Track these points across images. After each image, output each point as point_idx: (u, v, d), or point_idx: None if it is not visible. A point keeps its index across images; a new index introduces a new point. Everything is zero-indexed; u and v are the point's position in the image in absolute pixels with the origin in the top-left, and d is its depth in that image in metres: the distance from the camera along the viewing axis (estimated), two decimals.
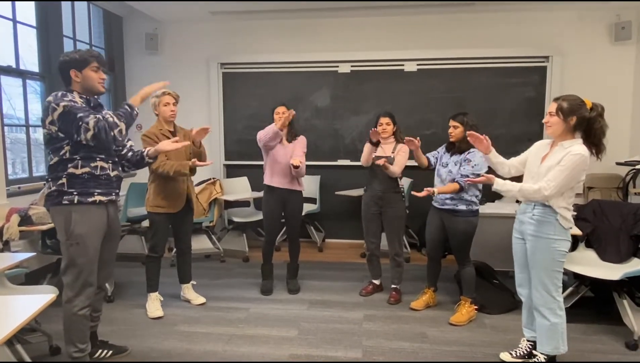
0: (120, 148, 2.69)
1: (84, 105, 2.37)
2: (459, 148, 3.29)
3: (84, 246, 2.40)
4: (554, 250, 2.44)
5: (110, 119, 2.34)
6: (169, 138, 3.35)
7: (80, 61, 2.40)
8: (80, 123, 2.28)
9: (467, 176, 3.12)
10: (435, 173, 3.44)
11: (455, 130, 3.29)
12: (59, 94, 2.35)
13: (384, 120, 3.64)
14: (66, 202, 2.38)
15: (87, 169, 2.40)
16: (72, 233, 2.38)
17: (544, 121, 2.55)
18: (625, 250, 3.35)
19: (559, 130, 2.45)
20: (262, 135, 3.66)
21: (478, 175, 2.74)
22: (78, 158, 2.38)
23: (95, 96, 2.52)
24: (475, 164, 3.19)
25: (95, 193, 2.44)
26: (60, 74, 2.44)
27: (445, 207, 3.29)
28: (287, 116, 3.57)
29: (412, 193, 3.18)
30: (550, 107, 2.50)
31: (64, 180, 2.38)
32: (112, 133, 2.32)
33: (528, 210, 2.55)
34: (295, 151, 3.74)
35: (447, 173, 3.29)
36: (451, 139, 3.33)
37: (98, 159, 2.45)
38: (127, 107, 2.44)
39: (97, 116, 2.31)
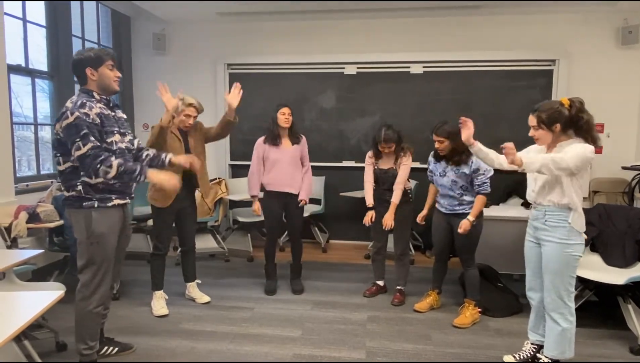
0: (135, 150, 2.68)
1: (89, 114, 2.34)
2: (456, 161, 3.23)
3: (103, 245, 2.43)
4: (568, 254, 2.42)
5: (130, 164, 2.40)
6: (177, 137, 3.39)
7: (96, 59, 2.41)
8: (99, 165, 2.30)
9: (487, 190, 3.18)
10: (434, 183, 3.43)
11: (441, 144, 3.24)
12: (78, 102, 2.33)
13: (386, 145, 3.57)
14: (86, 206, 2.40)
15: (100, 179, 2.40)
16: (93, 233, 2.40)
17: (530, 134, 2.52)
18: (631, 255, 3.34)
19: (548, 140, 2.46)
20: (250, 170, 3.84)
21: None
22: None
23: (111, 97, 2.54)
24: (485, 170, 3.18)
25: (113, 198, 2.47)
26: (75, 73, 2.45)
27: (454, 211, 3.29)
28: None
29: (460, 231, 3.17)
30: (530, 120, 2.49)
31: (79, 188, 2.39)
32: (132, 177, 2.41)
33: (540, 216, 2.53)
34: (304, 159, 3.85)
35: (451, 182, 3.27)
36: (441, 154, 3.30)
37: None
38: (164, 158, 2.58)
39: (119, 160, 2.36)
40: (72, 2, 4.74)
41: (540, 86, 5.23)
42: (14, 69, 4.06)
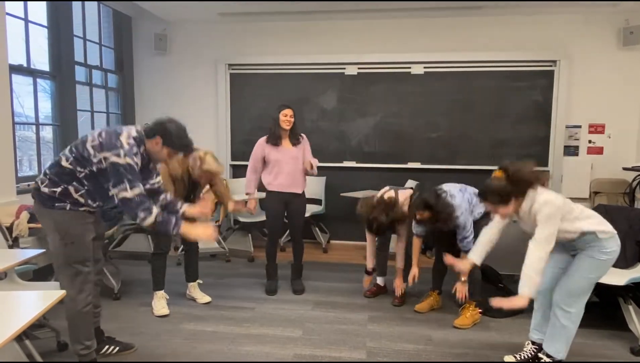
0: (153, 183, 2.67)
1: (138, 164, 2.40)
2: (439, 227, 3.18)
3: (79, 245, 2.42)
4: (606, 261, 2.46)
5: (166, 216, 2.48)
6: (184, 183, 3.37)
7: (173, 142, 2.46)
8: (139, 212, 2.36)
9: (469, 247, 3.02)
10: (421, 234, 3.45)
11: (422, 216, 3.17)
12: (134, 150, 2.36)
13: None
14: (58, 206, 2.39)
15: (82, 200, 2.42)
16: (67, 233, 2.39)
17: (498, 217, 2.58)
18: (631, 255, 3.34)
19: (513, 211, 2.47)
20: (248, 168, 3.84)
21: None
22: (84, 188, 2.41)
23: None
24: (464, 226, 3.14)
25: (85, 205, 2.48)
26: (152, 127, 2.45)
27: None
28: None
29: (457, 296, 3.18)
30: (487, 207, 2.55)
31: (59, 189, 2.39)
32: (167, 228, 2.46)
33: (571, 248, 2.55)
34: (306, 156, 3.79)
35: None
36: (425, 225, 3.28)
37: (97, 201, 2.48)
38: (179, 208, 2.64)
39: (156, 209, 2.43)
40: (73, 2, 4.75)
41: (541, 87, 5.23)
42: (15, 69, 4.07)
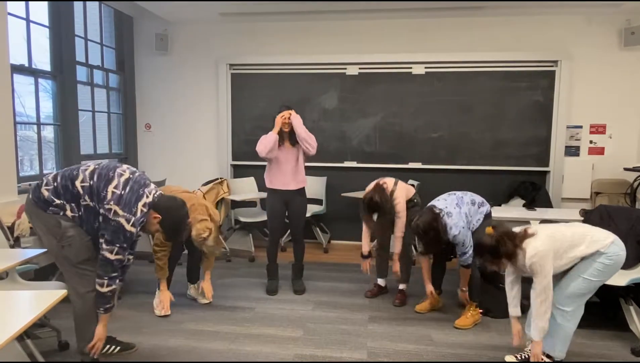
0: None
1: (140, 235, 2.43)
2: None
3: (76, 246, 2.42)
4: (612, 264, 2.47)
5: (111, 298, 2.46)
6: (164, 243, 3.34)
7: (169, 228, 2.46)
8: (106, 278, 2.37)
9: (468, 262, 3.17)
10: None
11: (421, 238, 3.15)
12: (141, 220, 2.35)
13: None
14: (51, 212, 2.39)
15: (71, 221, 2.41)
16: (63, 236, 2.39)
17: (500, 271, 2.61)
18: (633, 256, 3.33)
19: (508, 265, 2.53)
20: (263, 147, 3.64)
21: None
22: (78, 214, 2.41)
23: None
24: (463, 242, 3.13)
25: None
26: (160, 203, 2.43)
27: None
28: (285, 120, 3.64)
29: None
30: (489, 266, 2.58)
31: (57, 201, 2.37)
32: (99, 303, 2.44)
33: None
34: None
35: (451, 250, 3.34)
36: (423, 250, 3.28)
37: (84, 229, 2.45)
38: (104, 309, 2.47)
39: (114, 287, 2.42)
40: (75, 2, 4.76)
41: (542, 87, 5.23)
42: (17, 69, 4.08)
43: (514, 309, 2.68)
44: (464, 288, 3.32)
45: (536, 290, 2.45)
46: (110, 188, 2.34)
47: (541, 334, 2.48)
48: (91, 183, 2.36)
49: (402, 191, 3.58)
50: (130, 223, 2.32)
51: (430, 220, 3.04)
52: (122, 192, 2.34)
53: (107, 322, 2.51)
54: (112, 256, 2.34)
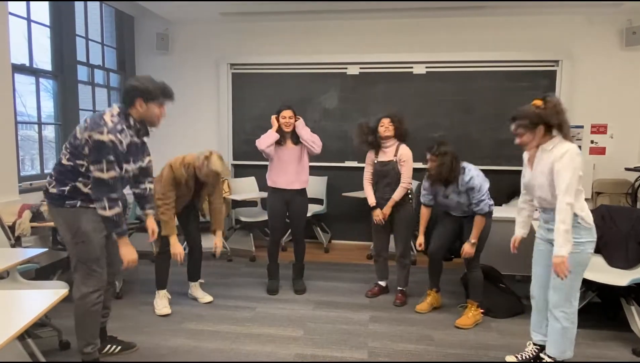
0: (140, 183, 2.71)
1: (122, 141, 2.37)
2: (446, 180, 3.19)
3: (89, 244, 2.43)
4: (582, 252, 2.43)
5: (122, 219, 2.43)
6: (189, 187, 3.37)
7: (151, 93, 2.43)
8: (104, 200, 2.32)
9: (485, 210, 3.17)
10: (438, 206, 3.42)
11: (432, 163, 3.19)
12: (118, 126, 2.34)
13: (385, 120, 3.63)
14: (69, 205, 2.40)
15: (87, 190, 2.41)
16: (78, 232, 2.40)
17: (516, 143, 2.53)
18: (633, 256, 3.33)
19: (535, 143, 2.46)
20: (263, 141, 3.69)
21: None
22: (91, 181, 2.40)
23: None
24: (479, 187, 3.16)
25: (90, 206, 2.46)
26: (126, 96, 2.44)
27: (466, 215, 3.29)
28: (285, 120, 3.70)
29: (463, 256, 3.21)
30: (513, 129, 2.50)
31: (67, 188, 2.39)
32: (112, 226, 2.41)
33: (551, 219, 2.52)
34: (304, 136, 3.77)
35: (456, 203, 3.27)
36: (431, 174, 3.26)
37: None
38: (117, 233, 2.44)
39: (120, 207, 2.38)
40: (76, 2, 4.76)
41: (543, 87, 5.22)
42: (18, 69, 4.08)
43: (520, 230, 2.73)
44: (473, 240, 3.20)
45: (560, 207, 2.31)
46: (78, 134, 2.35)
47: (569, 247, 2.30)
48: (69, 151, 2.38)
49: (410, 161, 3.58)
50: (105, 133, 2.29)
51: (452, 150, 3.14)
52: (85, 124, 2.35)
53: (126, 243, 2.45)
54: (104, 174, 2.30)
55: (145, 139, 2.64)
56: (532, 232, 2.79)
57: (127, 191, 2.70)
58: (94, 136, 2.29)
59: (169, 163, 3.32)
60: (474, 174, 3.16)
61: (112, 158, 2.31)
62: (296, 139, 3.79)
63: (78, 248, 2.42)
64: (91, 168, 2.32)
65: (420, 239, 3.49)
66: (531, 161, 2.55)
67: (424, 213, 3.49)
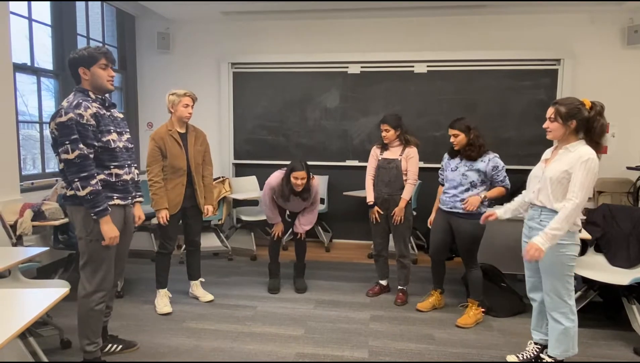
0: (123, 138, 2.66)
1: (84, 115, 2.33)
2: (468, 155, 3.23)
3: (100, 243, 2.42)
4: (563, 254, 2.41)
5: (101, 196, 2.35)
6: (177, 141, 3.38)
7: (89, 58, 2.39)
8: (76, 180, 2.29)
9: (506, 179, 3.22)
10: (443, 179, 3.41)
11: (456, 138, 3.24)
12: (74, 103, 2.33)
13: (383, 127, 3.61)
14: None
15: (102, 177, 2.41)
16: (93, 230, 2.40)
17: (544, 126, 2.51)
18: (635, 255, 3.33)
19: (559, 135, 2.44)
20: (263, 206, 3.84)
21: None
22: (103, 173, 2.40)
23: (107, 95, 2.54)
24: (502, 167, 3.22)
25: (115, 197, 2.47)
26: (70, 72, 2.44)
27: (454, 210, 3.28)
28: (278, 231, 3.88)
29: (463, 206, 3.21)
30: (548, 112, 2.47)
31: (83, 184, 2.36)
32: (91, 206, 2.34)
33: (536, 216, 2.53)
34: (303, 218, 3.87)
35: (461, 176, 3.25)
36: (455, 148, 3.29)
37: (112, 166, 2.46)
38: (95, 213, 2.35)
39: (94, 187, 2.31)
40: (77, 2, 4.76)
41: (544, 86, 5.21)
42: (19, 68, 4.08)
43: (501, 211, 2.77)
44: (482, 195, 3.20)
45: (567, 205, 2.30)
46: (50, 134, 2.37)
47: (548, 245, 2.31)
48: (56, 152, 2.38)
49: (416, 159, 3.60)
50: (64, 113, 2.28)
51: (475, 125, 3.23)
52: (50, 120, 2.36)
53: (107, 222, 2.37)
54: (69, 155, 2.28)
55: (120, 114, 2.61)
56: None
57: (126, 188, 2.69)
58: (56, 122, 2.30)
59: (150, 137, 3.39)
60: (493, 155, 3.24)
61: (75, 136, 2.28)
62: (305, 195, 3.70)
63: (91, 246, 2.42)
64: (58, 150, 2.31)
65: (432, 217, 3.53)
66: (549, 160, 2.51)
67: (440, 192, 3.49)
